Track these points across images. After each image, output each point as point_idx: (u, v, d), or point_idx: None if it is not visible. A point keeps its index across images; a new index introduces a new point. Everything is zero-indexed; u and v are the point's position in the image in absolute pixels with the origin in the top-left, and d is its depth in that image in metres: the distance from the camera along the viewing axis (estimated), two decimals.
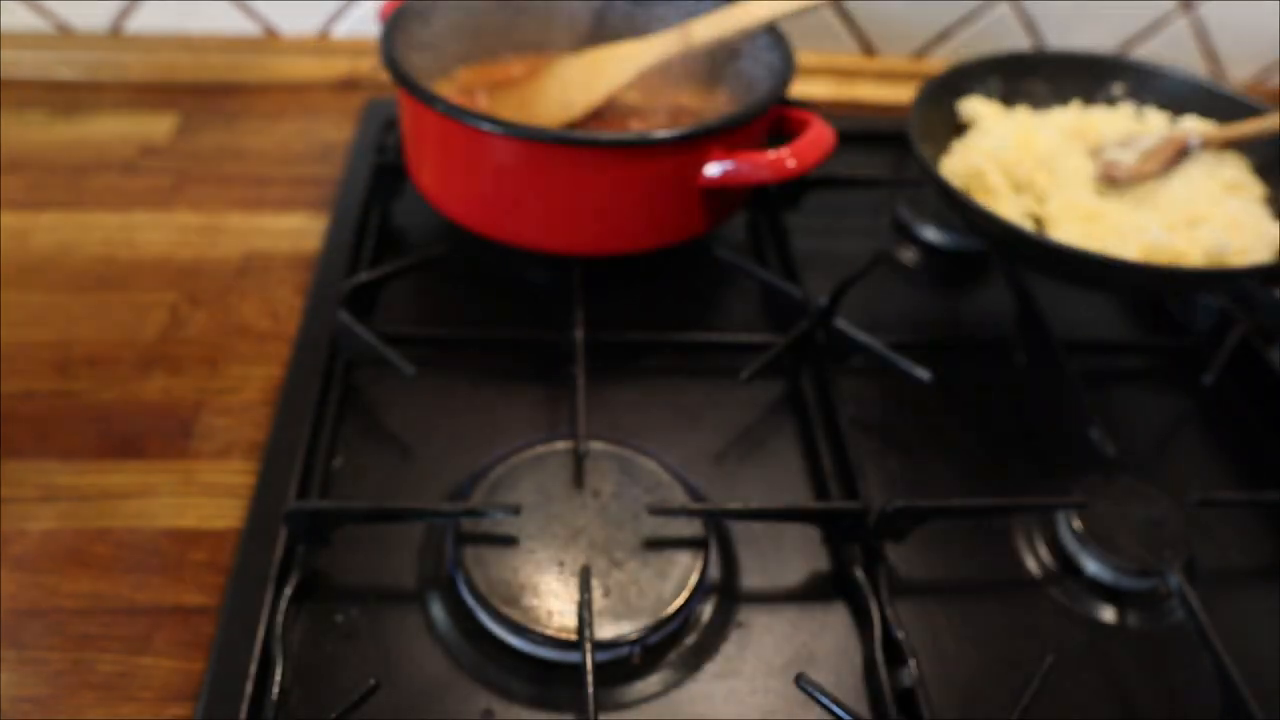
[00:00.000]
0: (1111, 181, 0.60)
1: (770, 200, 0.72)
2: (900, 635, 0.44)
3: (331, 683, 0.42)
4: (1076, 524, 0.49)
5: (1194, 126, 0.63)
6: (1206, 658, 0.44)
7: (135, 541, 0.47)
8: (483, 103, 0.64)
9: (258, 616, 0.43)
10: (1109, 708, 0.44)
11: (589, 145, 0.52)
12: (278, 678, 0.40)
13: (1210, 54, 0.91)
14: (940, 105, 0.65)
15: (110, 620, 0.44)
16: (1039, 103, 0.69)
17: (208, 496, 0.50)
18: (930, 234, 0.71)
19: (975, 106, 0.67)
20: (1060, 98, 0.69)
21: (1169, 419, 0.60)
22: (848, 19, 0.89)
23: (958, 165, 0.63)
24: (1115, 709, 0.44)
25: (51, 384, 0.55)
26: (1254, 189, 0.61)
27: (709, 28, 0.61)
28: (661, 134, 0.52)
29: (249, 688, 0.40)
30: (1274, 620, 0.49)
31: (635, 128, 0.63)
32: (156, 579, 0.46)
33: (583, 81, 0.62)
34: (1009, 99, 0.68)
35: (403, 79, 0.55)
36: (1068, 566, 0.50)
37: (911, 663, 0.43)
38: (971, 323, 0.65)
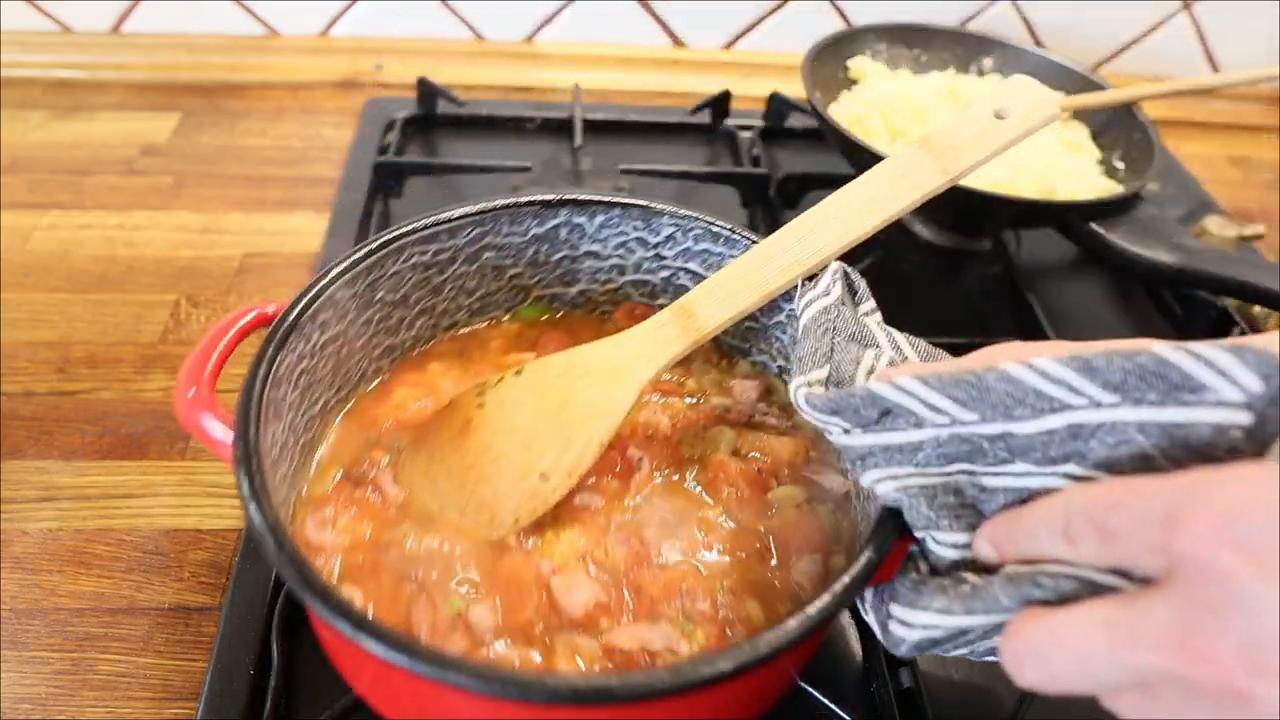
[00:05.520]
0: None
1: (770, 200, 0.72)
2: None
3: (331, 682, 0.42)
4: None
5: None
6: None
7: (135, 541, 0.47)
8: (384, 479, 0.40)
9: (258, 616, 0.43)
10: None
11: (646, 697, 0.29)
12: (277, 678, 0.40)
13: (1209, 55, 0.91)
14: (831, 62, 0.75)
15: (110, 620, 0.44)
16: (919, 68, 0.78)
17: (208, 496, 0.50)
18: (930, 234, 0.71)
19: (863, 65, 0.77)
20: (939, 65, 0.79)
21: None
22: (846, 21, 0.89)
23: (845, 111, 0.72)
24: None
25: (51, 384, 0.55)
26: (1091, 151, 0.71)
27: (715, 310, 0.41)
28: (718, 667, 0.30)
29: (248, 687, 0.40)
30: None
31: (632, 455, 0.42)
32: (156, 579, 0.46)
33: (556, 433, 0.40)
34: (893, 63, 0.78)
35: (308, 585, 0.30)
36: None
37: (911, 663, 0.43)
38: (971, 322, 0.65)
